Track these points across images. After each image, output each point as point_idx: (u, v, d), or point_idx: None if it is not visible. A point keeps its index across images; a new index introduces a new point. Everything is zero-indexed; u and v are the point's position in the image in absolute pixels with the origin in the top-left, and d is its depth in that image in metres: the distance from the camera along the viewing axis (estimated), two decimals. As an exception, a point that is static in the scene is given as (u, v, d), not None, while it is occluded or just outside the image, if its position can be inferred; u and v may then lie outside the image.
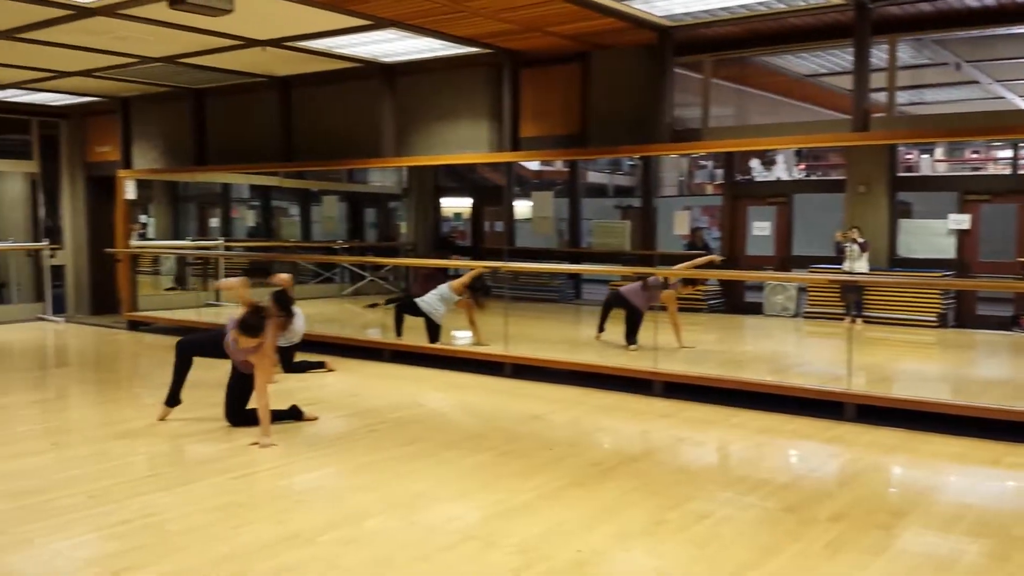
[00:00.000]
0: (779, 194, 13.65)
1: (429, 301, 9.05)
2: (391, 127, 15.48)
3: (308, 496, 4.70)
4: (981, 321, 10.93)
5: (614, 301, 9.04)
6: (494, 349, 8.62)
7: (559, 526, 4.14)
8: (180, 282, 16.36)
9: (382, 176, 18.61)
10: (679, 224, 14.59)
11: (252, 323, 5.70)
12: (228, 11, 8.39)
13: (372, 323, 11.50)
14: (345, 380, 8.09)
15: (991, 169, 18.09)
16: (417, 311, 9.08)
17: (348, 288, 15.75)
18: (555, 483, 4.82)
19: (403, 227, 17.52)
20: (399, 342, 9.25)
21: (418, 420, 6.42)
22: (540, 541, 3.94)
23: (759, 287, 12.78)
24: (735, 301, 13.10)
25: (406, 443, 5.69)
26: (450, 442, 5.74)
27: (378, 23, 10.98)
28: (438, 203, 17.36)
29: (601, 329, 9.15)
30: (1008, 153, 17.36)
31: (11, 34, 10.29)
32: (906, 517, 4.35)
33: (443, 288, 9.10)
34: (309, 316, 8.49)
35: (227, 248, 15.94)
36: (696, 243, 14.64)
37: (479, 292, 9.38)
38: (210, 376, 6.60)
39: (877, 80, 12.10)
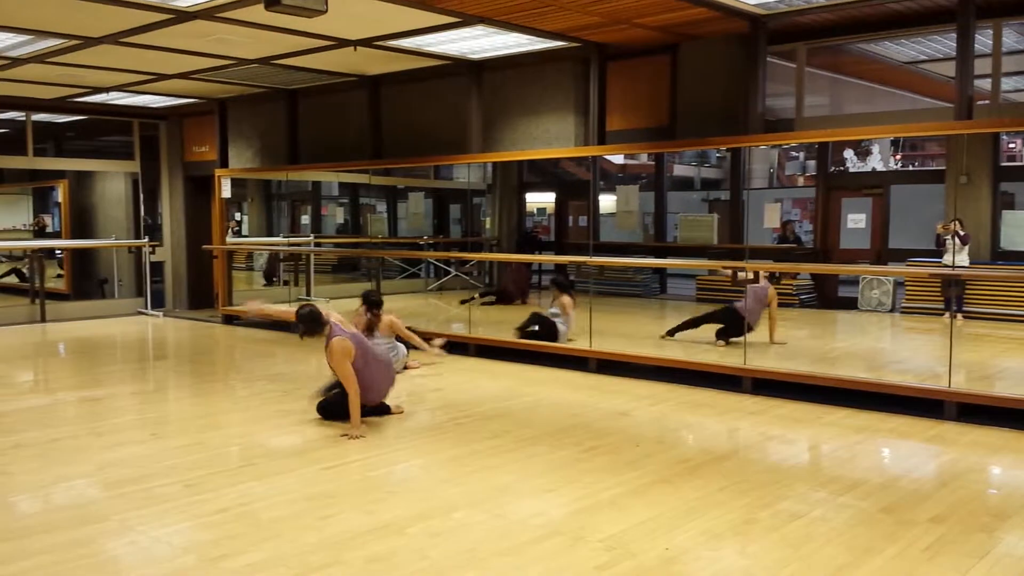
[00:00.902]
0: (875, 185, 13.21)
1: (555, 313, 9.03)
2: (477, 123, 15.56)
3: (397, 487, 4.76)
4: None
5: (725, 317, 8.66)
6: (579, 344, 8.58)
7: (646, 523, 4.10)
8: (268, 278, 16.85)
9: (467, 172, 18.76)
10: (769, 217, 14.25)
11: (304, 329, 5.82)
12: (322, 12, 8.54)
13: (457, 318, 11.59)
14: (431, 374, 8.18)
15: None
16: (544, 322, 9.04)
17: (433, 283, 15.93)
18: (641, 480, 4.77)
19: (487, 223, 17.62)
20: (484, 336, 9.30)
21: (503, 415, 6.44)
22: (626, 538, 3.90)
23: (854, 281, 12.39)
24: (828, 295, 12.74)
25: (492, 437, 5.72)
26: (535, 437, 5.74)
27: (466, 20, 11.05)
28: (522, 198, 17.39)
29: (673, 333, 8.97)
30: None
31: (115, 38, 10.71)
32: (1009, 520, 4.16)
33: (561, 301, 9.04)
34: (396, 310, 8.60)
35: (317, 244, 16.31)
36: (788, 236, 14.30)
37: (565, 288, 9.34)
38: (298, 370, 6.78)
39: (981, 66, 11.59)
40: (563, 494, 4.56)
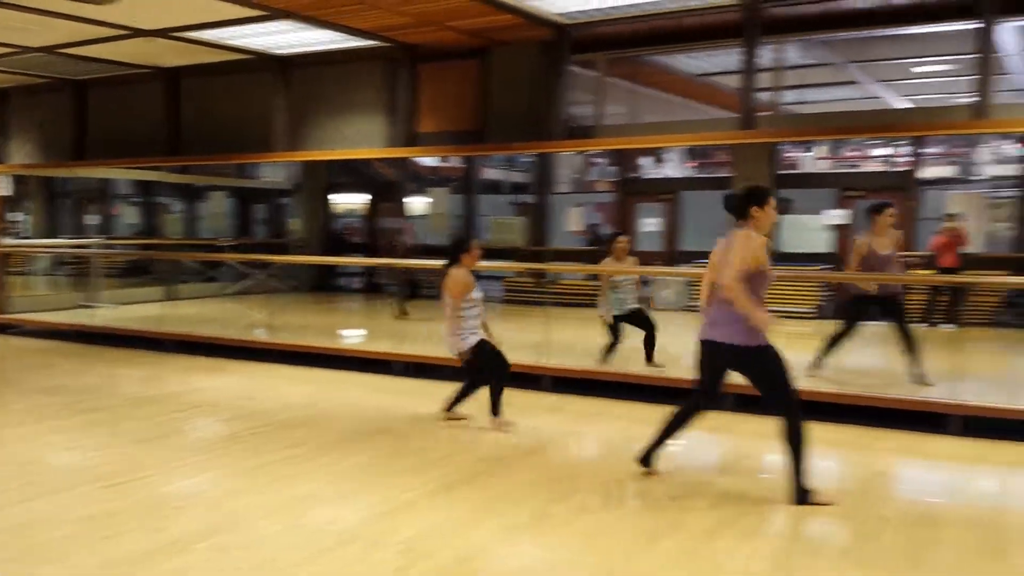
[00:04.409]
0: (667, 191, 13.97)
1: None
2: (283, 121, 15.15)
3: (187, 502, 4.53)
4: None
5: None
6: (385, 347, 8.52)
7: (445, 523, 4.12)
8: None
9: (273, 171, 18.20)
10: (573, 220, 14.77)
11: None
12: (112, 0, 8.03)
13: (260, 323, 11.21)
14: (231, 382, 7.87)
15: (868, 166, 18.93)
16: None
17: (235, 287, 15.29)
18: (443, 480, 4.80)
19: (294, 224, 17.17)
20: (284, 342, 9.05)
21: (305, 422, 6.28)
22: (425, 539, 3.91)
23: (648, 282, 13.04)
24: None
25: (292, 445, 5.57)
26: (337, 443, 5.64)
27: (272, 14, 10.72)
28: (331, 199, 17.11)
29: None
30: (885, 151, 18.23)
31: None
32: (778, 503, 4.49)
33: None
34: (191, 316, 8.22)
35: (106, 246, 15.27)
36: (592, 239, 14.89)
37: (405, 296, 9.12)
38: (80, 383, 6.33)
39: (764, 80, 12.51)
40: (362, 500, 4.51)
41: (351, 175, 17.88)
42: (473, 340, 5.98)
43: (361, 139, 14.98)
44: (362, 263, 16.49)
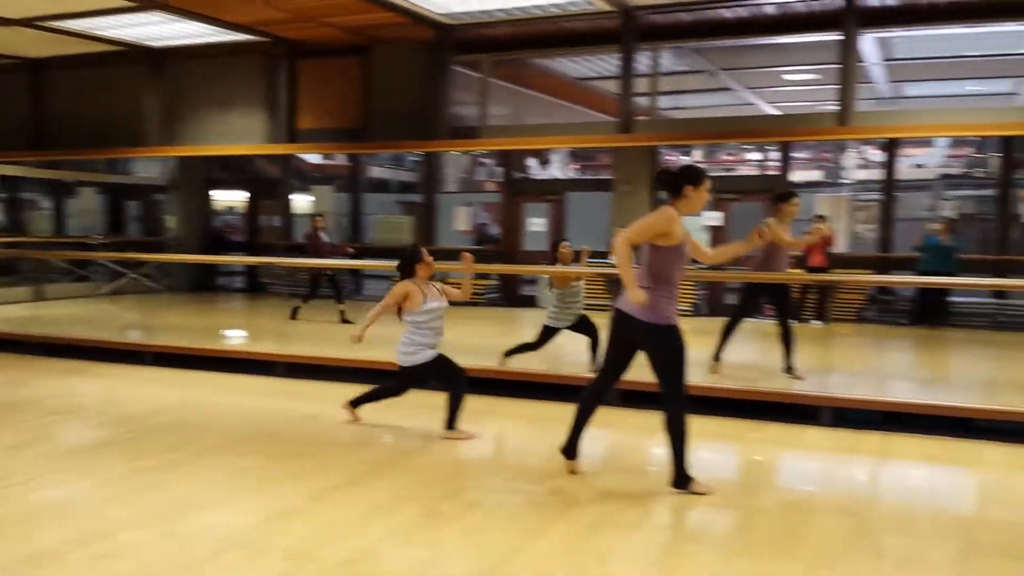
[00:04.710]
0: (553, 192, 14.17)
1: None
2: (157, 115, 14.60)
3: (58, 511, 4.32)
4: (728, 309, 11.87)
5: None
6: (266, 347, 8.34)
7: (331, 526, 4.07)
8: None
9: (147, 167, 17.51)
10: (461, 220, 14.80)
11: None
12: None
13: (134, 324, 10.78)
14: (103, 385, 7.54)
15: (742, 170, 19.72)
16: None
17: (107, 287, 14.64)
18: (328, 483, 4.74)
19: (170, 221, 16.56)
20: (160, 343, 8.74)
21: (183, 426, 6.08)
22: (310, 544, 3.85)
23: (534, 280, 13.21)
24: (512, 294, 13.46)
25: (169, 450, 5.38)
26: (216, 447, 5.49)
27: (143, 4, 10.31)
28: (210, 196, 16.59)
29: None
30: (755, 155, 19.01)
31: None
32: (655, 496, 4.63)
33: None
34: (61, 318, 7.83)
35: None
36: (480, 238, 14.96)
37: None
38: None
39: (642, 85, 12.84)
40: (244, 505, 4.41)
41: (231, 171, 17.39)
42: (423, 357, 5.80)
43: (240, 135, 14.58)
44: (245, 262, 16.05)
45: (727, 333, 7.56)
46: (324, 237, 11.16)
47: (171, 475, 4.88)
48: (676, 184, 4.57)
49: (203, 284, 16.09)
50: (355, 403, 6.13)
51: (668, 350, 4.54)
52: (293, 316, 10.89)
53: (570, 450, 4.97)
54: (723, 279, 11.89)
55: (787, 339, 7.31)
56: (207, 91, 14.76)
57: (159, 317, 11.73)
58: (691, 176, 4.57)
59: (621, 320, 4.62)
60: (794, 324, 7.62)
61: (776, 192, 7.45)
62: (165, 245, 16.03)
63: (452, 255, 14.07)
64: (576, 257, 7.66)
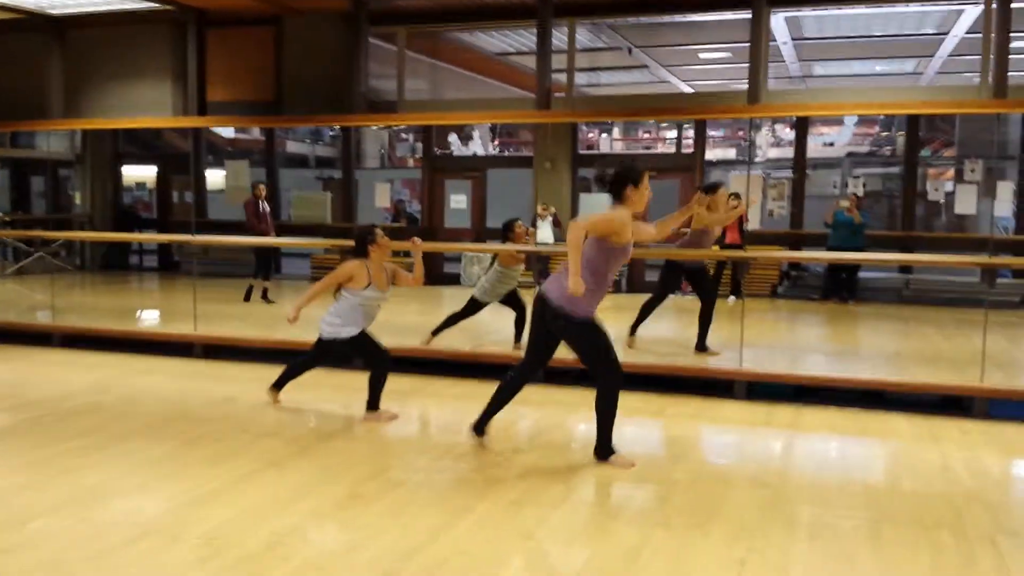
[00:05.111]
0: (474, 168, 14.13)
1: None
2: (60, 86, 14.00)
3: (-42, 504, 4.15)
4: (648, 287, 12.07)
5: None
6: (182, 329, 8.14)
7: (251, 510, 4.01)
8: None
9: (53, 140, 16.78)
10: (381, 197, 14.63)
11: None
12: None
13: (41, 304, 10.38)
14: (8, 369, 7.25)
15: (660, 148, 20.00)
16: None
17: (11, 267, 14.04)
18: (249, 466, 4.66)
19: (77, 197, 15.94)
20: (69, 325, 8.44)
21: (95, 410, 5.90)
22: (230, 528, 3.79)
23: (458, 258, 13.18)
24: (434, 272, 13.40)
25: (80, 435, 5.21)
26: (131, 431, 5.34)
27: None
28: (119, 171, 16.02)
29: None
30: (673, 133, 19.31)
31: None
32: (583, 470, 4.71)
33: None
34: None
35: None
36: (399, 216, 14.81)
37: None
38: None
39: (559, 61, 12.87)
40: (161, 490, 4.30)
41: (140, 145, 16.81)
42: (347, 333, 5.66)
43: (147, 107, 14.10)
44: (153, 239, 15.58)
45: (646, 310, 7.73)
46: (264, 207, 10.85)
47: (84, 461, 4.73)
48: (616, 189, 4.60)
49: (114, 262, 15.57)
50: (277, 385, 6.03)
51: (587, 343, 4.66)
52: (247, 298, 10.71)
53: (479, 427, 5.07)
54: (643, 256, 12.07)
55: (705, 318, 7.53)
56: (113, 62, 14.21)
57: (68, 297, 11.31)
58: (631, 177, 4.56)
59: (542, 304, 4.68)
60: (714, 302, 7.82)
61: (704, 185, 7.80)
62: (72, 222, 15.44)
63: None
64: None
